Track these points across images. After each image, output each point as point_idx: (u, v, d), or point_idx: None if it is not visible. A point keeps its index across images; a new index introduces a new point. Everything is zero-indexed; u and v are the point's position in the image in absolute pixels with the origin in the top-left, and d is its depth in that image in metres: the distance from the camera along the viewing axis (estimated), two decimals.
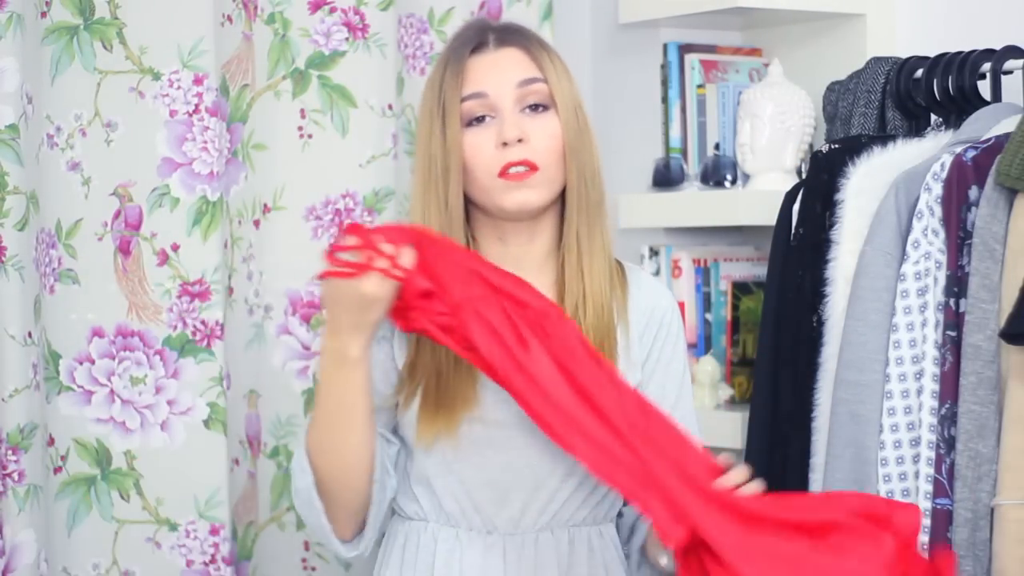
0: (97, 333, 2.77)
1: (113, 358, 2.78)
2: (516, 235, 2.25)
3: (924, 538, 2.38)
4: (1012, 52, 2.62)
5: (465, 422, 2.18)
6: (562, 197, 2.25)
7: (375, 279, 2.06)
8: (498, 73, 2.22)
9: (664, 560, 2.18)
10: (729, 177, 3.04)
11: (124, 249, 2.78)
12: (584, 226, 2.23)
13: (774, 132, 2.97)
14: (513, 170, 2.19)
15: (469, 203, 2.25)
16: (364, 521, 2.22)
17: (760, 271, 3.11)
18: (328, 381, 2.13)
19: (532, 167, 2.19)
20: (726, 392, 3.08)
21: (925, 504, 2.39)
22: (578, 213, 2.23)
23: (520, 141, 2.19)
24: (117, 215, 2.78)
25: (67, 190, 2.76)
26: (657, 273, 3.12)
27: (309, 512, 2.19)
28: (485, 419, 2.18)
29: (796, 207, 2.70)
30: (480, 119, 2.21)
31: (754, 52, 3.23)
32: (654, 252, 3.13)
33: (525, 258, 2.26)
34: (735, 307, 3.13)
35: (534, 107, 2.22)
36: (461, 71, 2.22)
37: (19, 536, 2.66)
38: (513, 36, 2.26)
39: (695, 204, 3.05)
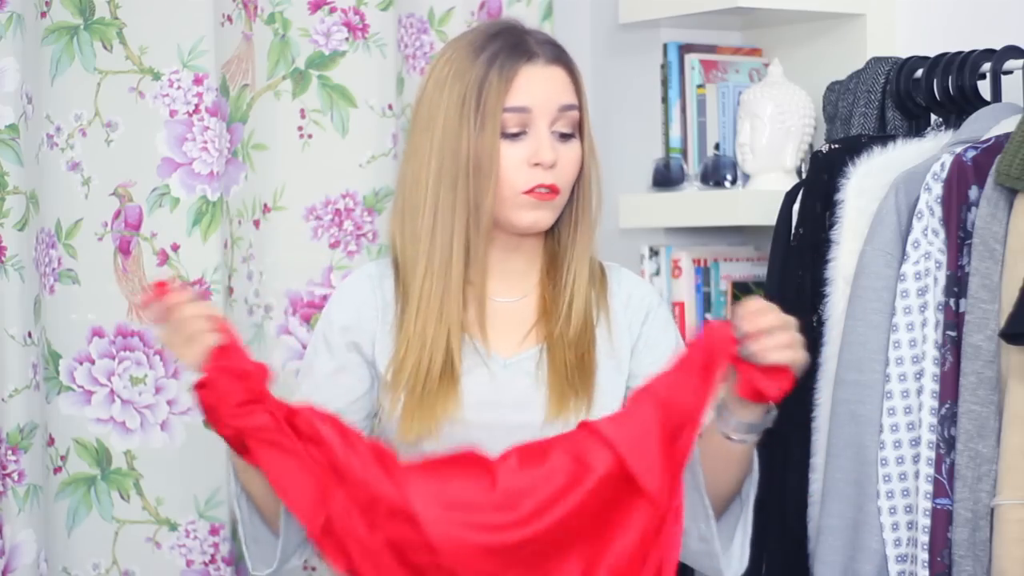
0: (97, 333, 2.77)
1: (113, 358, 2.78)
2: (505, 240, 2.26)
3: (924, 538, 2.38)
4: (1012, 52, 2.62)
5: (447, 423, 2.18)
6: None
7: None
8: (546, 91, 2.21)
9: (734, 431, 2.14)
10: (729, 177, 3.04)
11: (124, 249, 2.78)
12: (581, 246, 2.26)
13: (774, 132, 2.97)
14: (540, 189, 2.20)
15: None
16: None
17: (760, 271, 3.11)
18: None
19: (556, 192, 2.21)
20: None
21: (925, 504, 2.39)
22: (580, 234, 2.26)
23: (552, 165, 2.20)
24: (117, 215, 2.78)
25: (67, 190, 2.76)
26: (657, 273, 3.11)
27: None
28: (467, 420, 2.18)
29: (796, 207, 2.70)
30: (514, 134, 2.21)
31: (754, 52, 3.23)
32: (654, 252, 3.13)
33: (509, 263, 2.28)
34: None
35: (564, 135, 2.23)
36: (511, 78, 2.20)
37: (19, 536, 2.66)
38: (559, 52, 2.25)
39: (695, 204, 3.05)
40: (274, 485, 2.07)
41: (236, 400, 2.05)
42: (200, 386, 2.06)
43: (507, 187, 2.20)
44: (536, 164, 2.19)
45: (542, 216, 2.22)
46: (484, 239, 2.22)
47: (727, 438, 2.13)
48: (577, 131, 2.24)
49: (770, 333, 2.05)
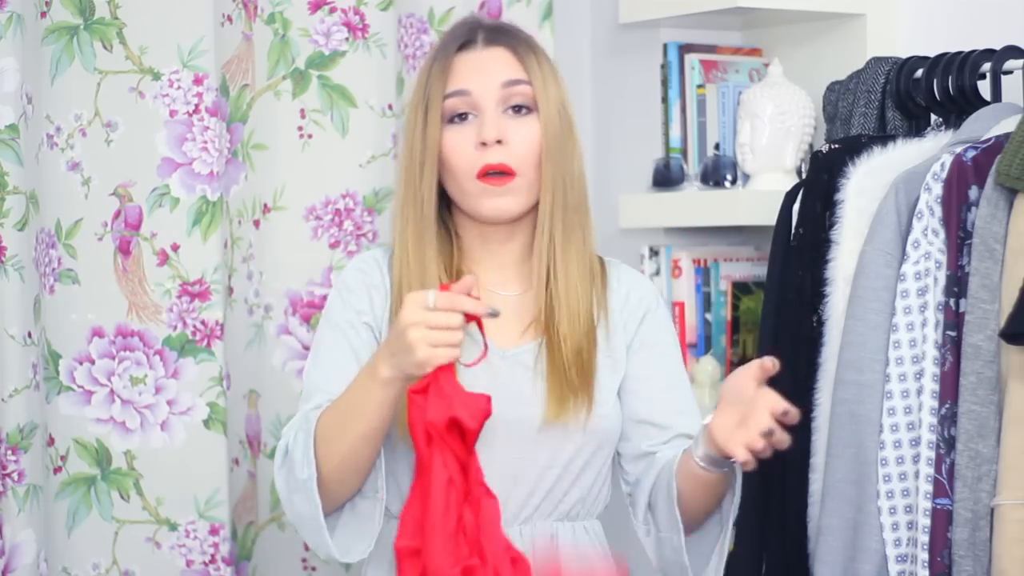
0: (97, 333, 2.77)
1: (113, 358, 2.78)
2: (496, 233, 2.27)
3: (924, 538, 2.38)
4: (1012, 52, 2.62)
5: None
6: None
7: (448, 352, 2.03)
8: (483, 72, 2.23)
9: (702, 460, 2.15)
10: (729, 177, 3.04)
11: (124, 249, 2.78)
12: (559, 231, 2.24)
13: (774, 132, 2.97)
14: (491, 174, 2.20)
15: (452, 201, 2.26)
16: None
17: (760, 271, 3.11)
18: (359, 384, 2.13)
19: (509, 172, 2.20)
20: None
21: (925, 504, 2.39)
22: (551, 218, 2.24)
23: (499, 143, 2.20)
24: (117, 215, 2.78)
25: (67, 190, 2.76)
26: (657, 273, 3.11)
27: (307, 506, 2.15)
28: None
29: (796, 207, 2.70)
30: (463, 117, 2.23)
31: (754, 52, 3.23)
32: (654, 252, 3.13)
33: (505, 255, 2.28)
34: (735, 307, 3.13)
35: (517, 109, 2.23)
36: (447, 68, 2.24)
37: (19, 536, 2.66)
38: (502, 36, 2.27)
39: (695, 204, 3.05)
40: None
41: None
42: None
43: (461, 175, 2.22)
44: (483, 144, 2.20)
45: (502, 203, 2.22)
46: (430, 226, 2.23)
47: (698, 464, 2.15)
48: (534, 106, 2.24)
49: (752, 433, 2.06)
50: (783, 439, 2.06)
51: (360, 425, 2.11)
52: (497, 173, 2.21)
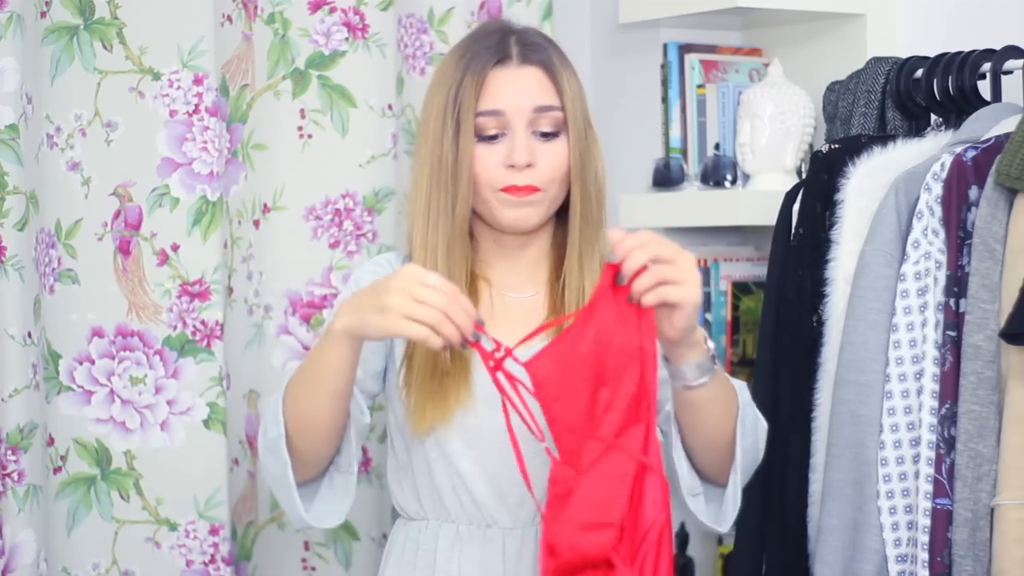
0: (97, 333, 2.77)
1: (113, 358, 2.78)
2: (512, 240, 2.28)
3: (924, 538, 2.38)
4: (1012, 52, 2.63)
5: (460, 414, 2.20)
6: (561, 207, 2.26)
7: (422, 332, 1.99)
8: (517, 93, 2.22)
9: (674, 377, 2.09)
10: (729, 177, 3.04)
11: (124, 249, 2.78)
12: (587, 245, 2.26)
13: (774, 132, 2.97)
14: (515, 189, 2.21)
15: None
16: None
17: (760, 271, 3.11)
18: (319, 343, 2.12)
19: (534, 190, 2.21)
20: None
21: (925, 504, 2.39)
22: (581, 233, 2.25)
23: (528, 166, 2.20)
24: (117, 215, 2.78)
25: (67, 190, 2.76)
26: None
27: (277, 466, 2.14)
28: (480, 412, 2.19)
29: (796, 207, 2.70)
30: (492, 137, 2.22)
31: (754, 52, 3.23)
32: None
33: (519, 260, 2.29)
34: (735, 307, 3.13)
35: (545, 134, 2.23)
36: (481, 83, 2.22)
37: (19, 536, 2.66)
38: (536, 53, 2.25)
39: (695, 204, 3.05)
40: None
41: None
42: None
43: (486, 188, 2.22)
44: (511, 166, 2.20)
45: (524, 214, 2.23)
46: (462, 239, 2.22)
47: (686, 388, 2.09)
48: (563, 129, 2.24)
49: (646, 272, 1.97)
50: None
51: (314, 382, 2.10)
52: (521, 189, 2.22)
